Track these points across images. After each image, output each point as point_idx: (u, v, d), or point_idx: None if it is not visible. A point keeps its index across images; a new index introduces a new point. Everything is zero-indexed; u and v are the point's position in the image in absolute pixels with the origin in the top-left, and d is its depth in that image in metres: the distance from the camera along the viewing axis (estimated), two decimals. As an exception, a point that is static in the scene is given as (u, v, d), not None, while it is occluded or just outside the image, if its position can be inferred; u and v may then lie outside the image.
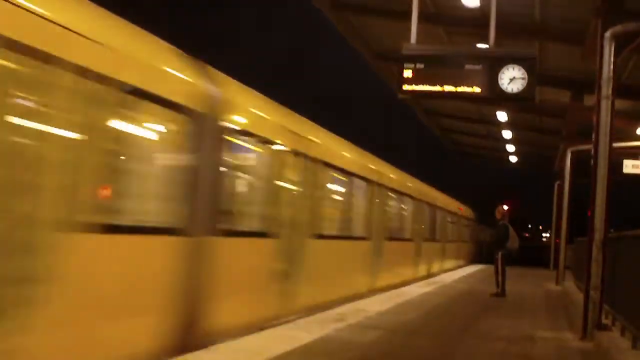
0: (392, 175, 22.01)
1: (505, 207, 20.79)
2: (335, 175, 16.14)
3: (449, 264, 34.38)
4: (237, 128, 10.66)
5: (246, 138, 11.15)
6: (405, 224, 24.32)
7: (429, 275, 27.28)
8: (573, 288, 23.68)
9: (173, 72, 8.88)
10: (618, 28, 11.81)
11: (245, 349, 8.97)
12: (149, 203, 8.47)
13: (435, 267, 30.03)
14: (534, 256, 45.58)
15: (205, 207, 9.30)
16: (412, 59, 12.19)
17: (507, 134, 31.79)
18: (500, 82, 11.80)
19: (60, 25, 6.61)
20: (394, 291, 19.32)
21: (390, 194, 21.29)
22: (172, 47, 9.24)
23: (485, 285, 20.43)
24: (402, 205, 23.63)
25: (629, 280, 11.43)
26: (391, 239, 21.22)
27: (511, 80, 11.76)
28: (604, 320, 12.71)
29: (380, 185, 19.68)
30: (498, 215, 20.88)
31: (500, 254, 20.14)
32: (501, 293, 19.71)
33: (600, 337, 11.84)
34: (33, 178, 6.27)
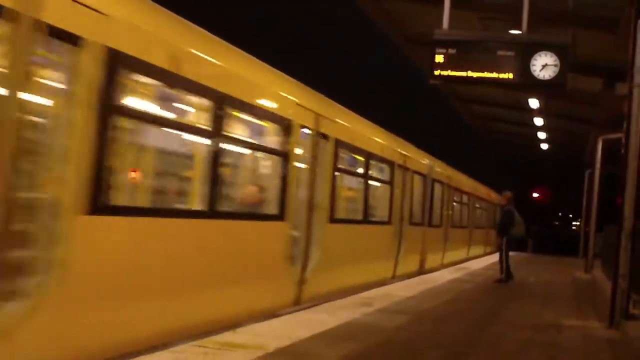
0: (468, 181, 31.46)
1: (510, 193, 20.53)
2: (439, 184, 24.48)
3: (487, 249, 37.46)
4: (436, 178, 22.57)
5: (437, 182, 22.72)
6: (463, 215, 30.75)
7: (476, 256, 33.09)
8: (602, 276, 23.55)
9: (422, 161, 21.35)
10: (652, 16, 11.69)
11: (272, 333, 9.04)
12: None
13: (479, 250, 35.05)
14: (563, 244, 45.39)
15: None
16: (444, 44, 12.22)
17: (538, 121, 31.62)
18: (532, 68, 11.81)
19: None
20: (421, 277, 19.38)
21: (460, 193, 28.99)
22: (415, 147, 21.00)
23: (513, 272, 20.36)
24: (463, 201, 30.53)
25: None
26: (455, 227, 28.21)
27: (543, 66, 11.75)
28: (631, 310, 12.67)
29: (455, 188, 27.44)
30: (503, 201, 20.74)
31: (505, 239, 19.96)
32: (505, 279, 19.71)
33: (627, 326, 11.80)
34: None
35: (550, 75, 11.71)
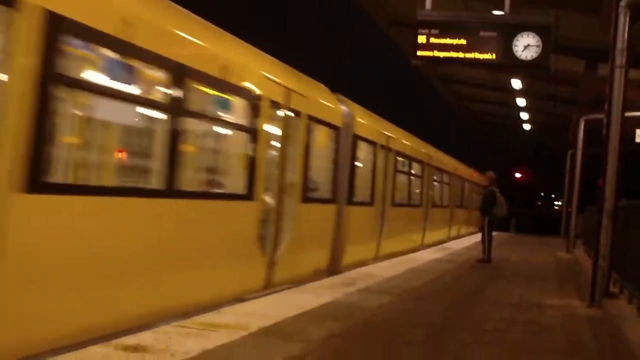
0: (423, 148, 25.11)
1: (492, 173, 20.44)
2: (369, 145, 17.77)
3: (453, 232, 33.49)
4: (362, 136, 16.52)
5: (363, 141, 16.73)
6: (414, 190, 24.29)
7: (438, 241, 27.52)
8: (583, 256, 23.75)
9: (332, 106, 14.78)
10: (633, -3, 11.73)
11: (255, 312, 9.07)
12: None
13: (441, 234, 29.59)
14: (545, 224, 45.65)
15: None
16: (427, 24, 12.25)
17: (521, 102, 31.72)
18: (514, 49, 11.86)
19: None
20: (403, 257, 19.43)
21: (409, 161, 22.63)
22: (324, 86, 15.00)
23: (495, 252, 20.47)
24: (415, 172, 23.84)
25: (637, 250, 11.50)
26: (401, 205, 21.48)
27: (525, 47, 11.81)
28: (612, 289, 12.85)
29: (400, 153, 20.76)
30: (486, 181, 20.75)
31: (486, 220, 19.96)
32: (487, 259, 19.72)
33: (607, 304, 11.94)
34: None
35: (532, 56, 11.76)
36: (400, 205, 21.25)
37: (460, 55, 12.01)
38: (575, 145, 27.42)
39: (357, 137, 16.14)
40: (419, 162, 24.08)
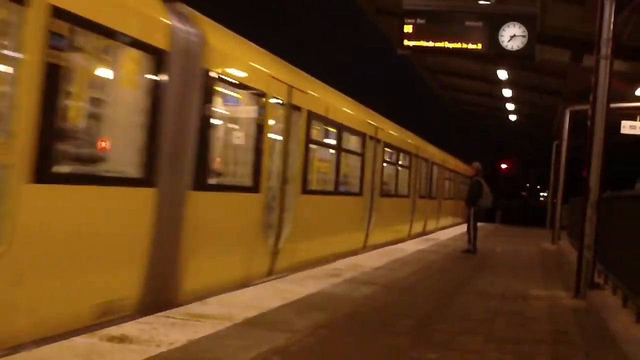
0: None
1: (478, 164, 20.37)
2: (321, 126, 14.31)
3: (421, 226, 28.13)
4: (222, 75, 10.01)
5: (231, 86, 10.61)
6: (352, 171, 18.18)
7: (396, 240, 22.29)
8: (568, 247, 23.82)
9: (145, 12, 8.26)
10: (619, -12, 11.74)
11: (241, 303, 9.05)
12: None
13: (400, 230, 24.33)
14: (531, 216, 45.79)
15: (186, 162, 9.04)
16: (413, 14, 12.28)
17: (507, 93, 31.74)
18: (500, 39, 11.90)
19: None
20: (389, 247, 19.40)
21: (339, 130, 15.97)
22: None
23: (481, 243, 20.50)
24: (348, 147, 17.46)
25: (621, 241, 11.53)
26: (327, 193, 15.93)
27: (511, 37, 11.86)
28: (596, 279, 12.87)
29: (320, 118, 14.48)
30: (472, 172, 20.77)
31: (472, 210, 19.94)
32: (472, 250, 19.71)
33: (592, 295, 11.97)
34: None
35: (518, 46, 11.81)
36: (320, 193, 15.48)
37: (447, 45, 12.03)
38: (561, 137, 27.49)
39: (216, 78, 9.89)
40: (359, 134, 17.91)
